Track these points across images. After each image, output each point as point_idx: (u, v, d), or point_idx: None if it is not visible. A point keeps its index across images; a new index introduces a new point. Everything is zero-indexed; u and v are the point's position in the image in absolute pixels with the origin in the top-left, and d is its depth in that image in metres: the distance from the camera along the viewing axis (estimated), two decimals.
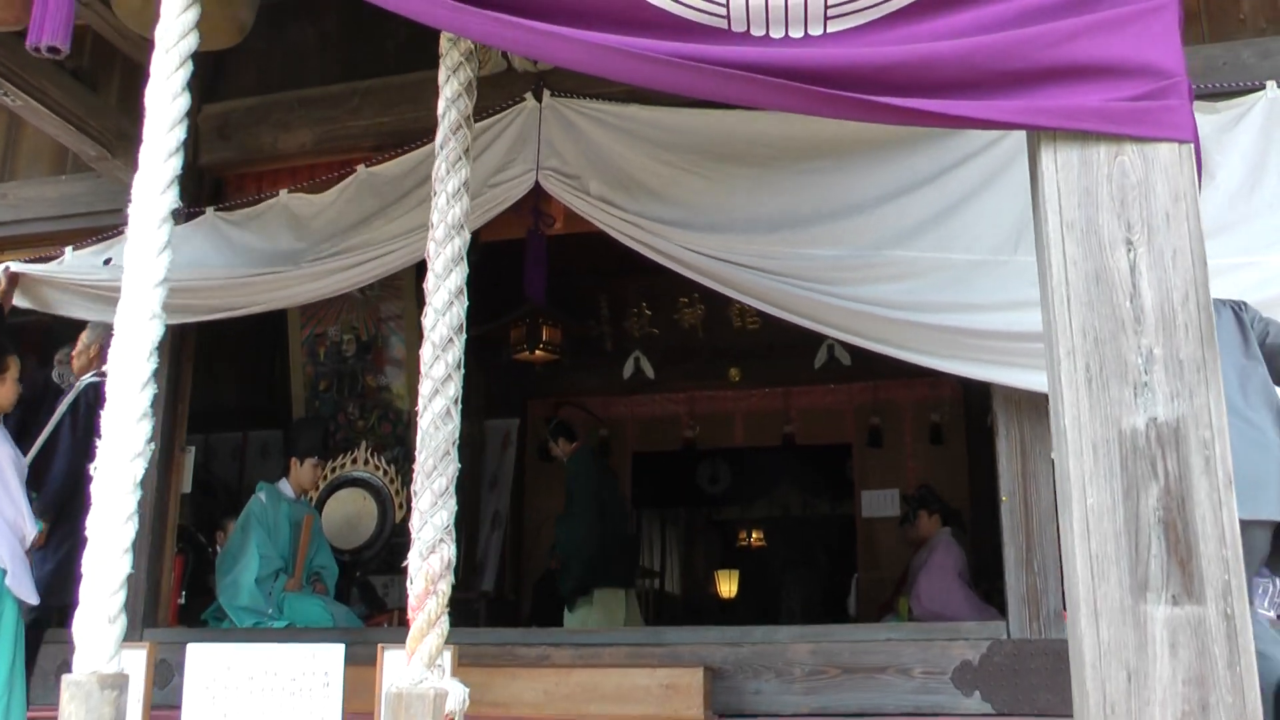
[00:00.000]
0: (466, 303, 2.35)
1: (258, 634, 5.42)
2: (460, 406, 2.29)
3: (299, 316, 9.55)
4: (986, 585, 6.65)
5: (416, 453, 2.25)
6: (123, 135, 5.52)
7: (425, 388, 2.26)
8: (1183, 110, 1.98)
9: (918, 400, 9.48)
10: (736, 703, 4.60)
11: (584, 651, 4.85)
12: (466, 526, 9.59)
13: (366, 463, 8.27)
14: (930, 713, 4.35)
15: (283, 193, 5.72)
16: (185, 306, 5.60)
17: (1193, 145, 1.97)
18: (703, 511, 14.97)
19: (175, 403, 5.85)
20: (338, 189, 5.59)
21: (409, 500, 7.22)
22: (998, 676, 4.31)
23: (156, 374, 5.50)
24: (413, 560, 2.20)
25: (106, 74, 6.28)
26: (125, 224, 5.66)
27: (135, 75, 6.06)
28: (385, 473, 8.25)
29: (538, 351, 9.02)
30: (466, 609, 9.05)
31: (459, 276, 2.34)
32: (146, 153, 2.56)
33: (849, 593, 9.23)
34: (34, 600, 4.34)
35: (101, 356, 5.34)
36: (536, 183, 5.19)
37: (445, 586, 2.20)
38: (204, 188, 6.07)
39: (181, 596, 6.41)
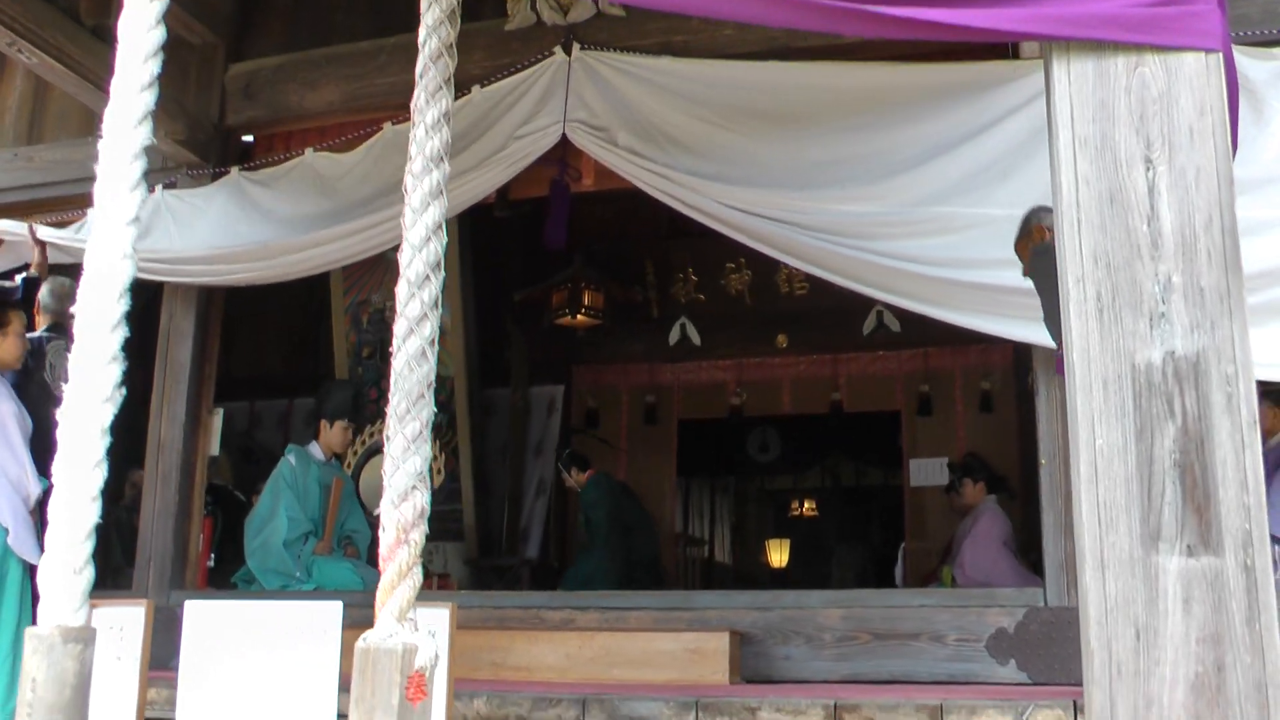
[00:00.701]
0: (445, 238, 2.21)
1: (282, 597, 5.36)
2: (436, 348, 2.16)
3: (342, 283, 9.53)
4: (1035, 555, 6.45)
5: (390, 395, 2.12)
6: None
7: (400, 327, 2.14)
8: (1210, 16, 1.80)
9: (968, 367, 9.25)
10: (766, 668, 4.47)
11: (609, 615, 4.74)
12: (511, 493, 9.54)
13: None
14: (964, 681, 4.18)
15: (308, 152, 5.64)
16: (213, 272, 5.55)
17: (1222, 54, 1.79)
18: (754, 480, 14.82)
19: (202, 364, 5.79)
20: (364, 148, 5.49)
21: (446, 466, 7.24)
22: (1034, 645, 4.13)
23: (198, 333, 5.62)
24: (385, 508, 2.07)
25: None
26: (151, 187, 5.71)
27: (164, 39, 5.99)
28: None
29: (579, 316, 8.93)
30: (511, 575, 9.01)
31: (437, 211, 2.21)
32: (118, 84, 2.43)
33: (896, 563, 9.05)
34: (36, 559, 4.29)
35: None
36: (564, 135, 5.06)
37: (418, 536, 2.07)
38: (231, 149, 6.01)
39: (211, 559, 6.38)
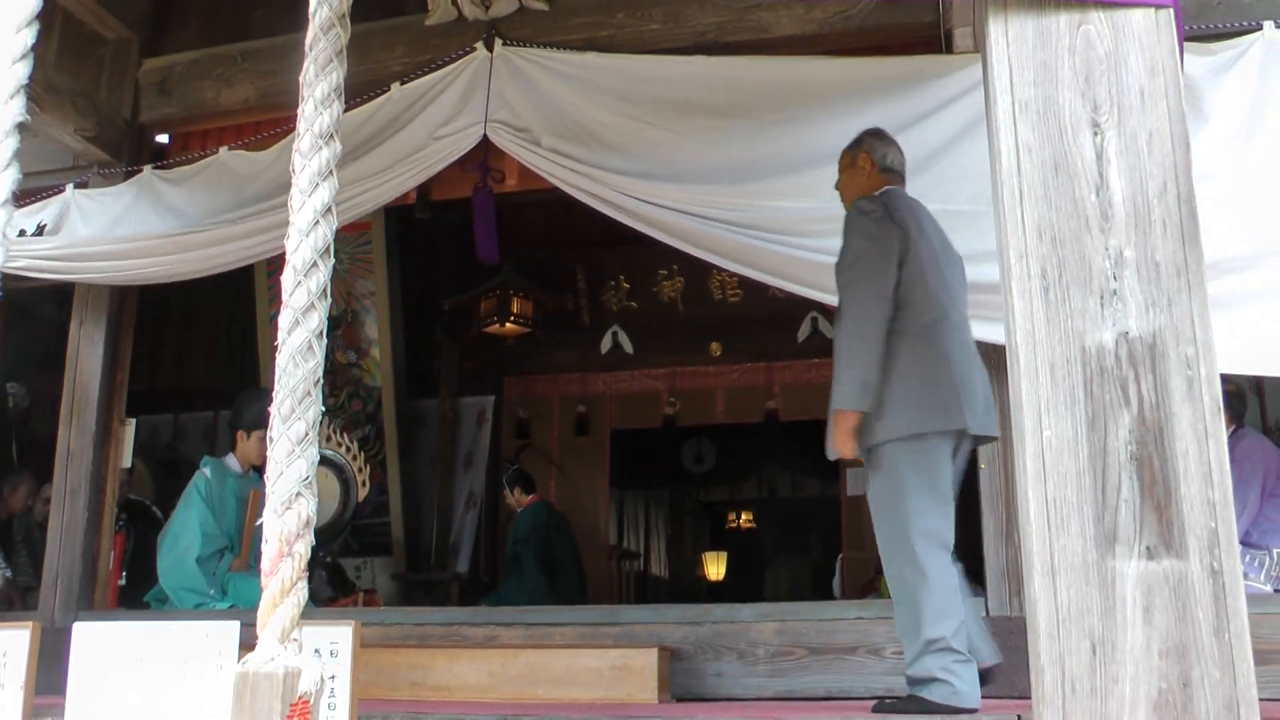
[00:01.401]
0: (334, 223, 2.01)
1: (195, 616, 5.12)
2: (324, 341, 1.96)
3: (267, 293, 9.28)
4: (975, 563, 6.35)
5: (274, 394, 1.93)
6: (52, 89, 5.22)
7: (285, 318, 1.93)
8: None
9: None
10: (697, 686, 4.30)
11: (534, 631, 4.56)
12: (440, 506, 9.32)
13: (330, 440, 7.96)
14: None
15: (223, 150, 5.43)
16: (121, 269, 5.30)
17: (1172, 10, 1.65)
18: (689, 492, 14.68)
19: (114, 372, 5.55)
20: (279, 146, 5.30)
21: (371, 479, 7.01)
22: (1031, 640, 3.97)
23: (109, 338, 5.40)
24: (267, 517, 1.88)
25: (45, 27, 5.94)
26: (62, 186, 5.46)
27: (76, 30, 5.76)
28: (349, 450, 7.95)
29: (508, 325, 8.75)
30: (440, 590, 8.79)
31: (326, 192, 2.01)
32: None
33: (834, 574, 8.93)
34: None
35: None
36: (485, 136, 4.89)
37: (303, 548, 1.87)
38: (145, 147, 5.79)
39: (123, 577, 6.09)
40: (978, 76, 4.15)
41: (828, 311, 8.43)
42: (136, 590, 6.17)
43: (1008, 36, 1.66)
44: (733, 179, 4.55)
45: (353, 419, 9.05)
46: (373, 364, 9.16)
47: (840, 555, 9.03)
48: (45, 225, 5.49)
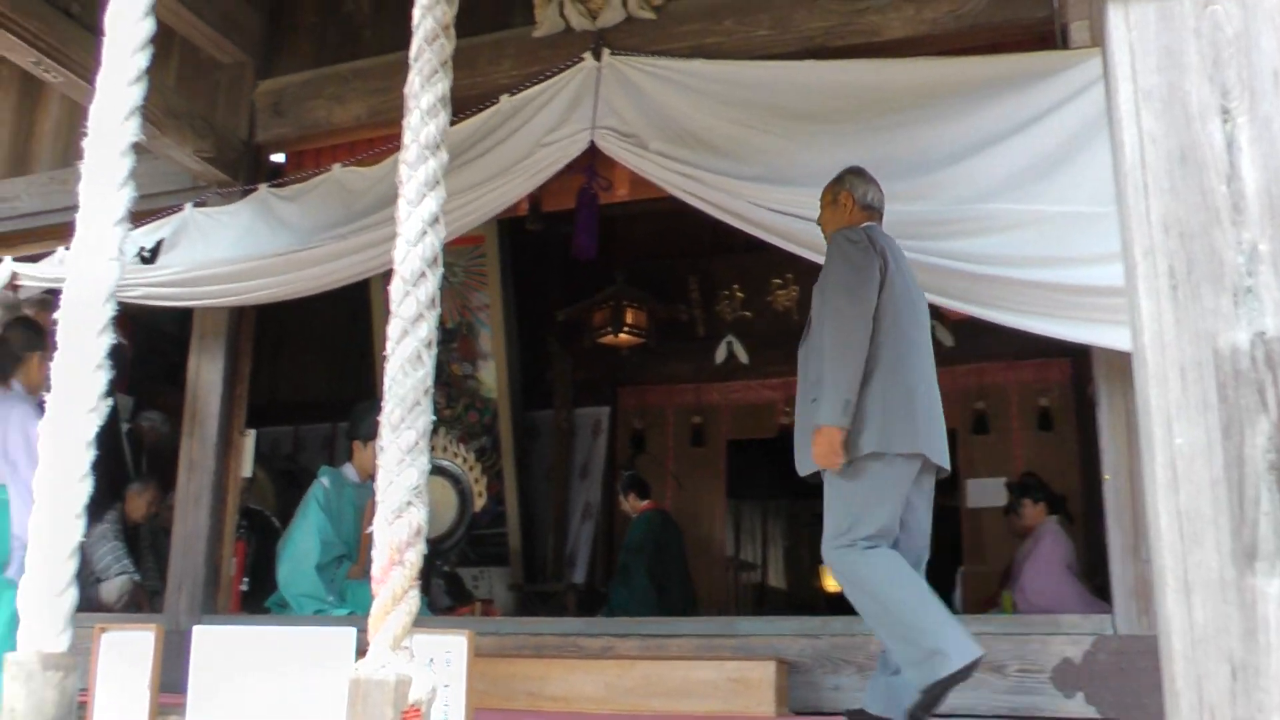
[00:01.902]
0: (443, 232, 2.02)
1: (313, 622, 5.20)
2: (434, 350, 1.97)
3: (383, 307, 9.41)
4: (1100, 579, 6.17)
5: (384, 402, 1.93)
6: (172, 113, 5.36)
7: (394, 328, 1.95)
8: None
9: (1024, 383, 8.94)
10: (815, 699, 4.23)
11: (650, 643, 4.53)
12: (556, 517, 9.36)
13: (446, 450, 8.05)
14: (1027, 715, 3.91)
15: (335, 167, 5.52)
16: (236, 290, 5.42)
17: None
18: (807, 502, 14.51)
19: (233, 385, 5.69)
20: (390, 160, 5.35)
21: (488, 490, 7.06)
22: (1103, 677, 3.84)
23: (228, 353, 5.53)
24: (377, 525, 1.88)
25: (164, 54, 6.16)
26: (181, 205, 5.61)
27: (193, 56, 5.92)
28: (465, 461, 8.03)
29: (622, 335, 8.75)
30: (556, 600, 8.82)
31: (434, 202, 2.02)
32: (104, 78, 2.28)
33: (954, 588, 8.73)
34: None
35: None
36: (591, 143, 4.90)
37: (414, 556, 1.88)
38: (261, 167, 5.93)
39: (245, 583, 6.23)
40: (1095, 72, 4.03)
41: (942, 316, 8.29)
42: (258, 596, 6.31)
43: (1128, 22, 1.58)
44: None
45: (469, 430, 9.14)
46: (488, 376, 9.24)
47: (960, 568, 8.83)
48: (164, 240, 5.63)
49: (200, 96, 5.89)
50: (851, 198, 4.04)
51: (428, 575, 7.70)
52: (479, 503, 7.93)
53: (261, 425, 7.98)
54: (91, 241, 2.22)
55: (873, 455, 3.62)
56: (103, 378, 2.18)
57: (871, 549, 3.63)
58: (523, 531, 9.10)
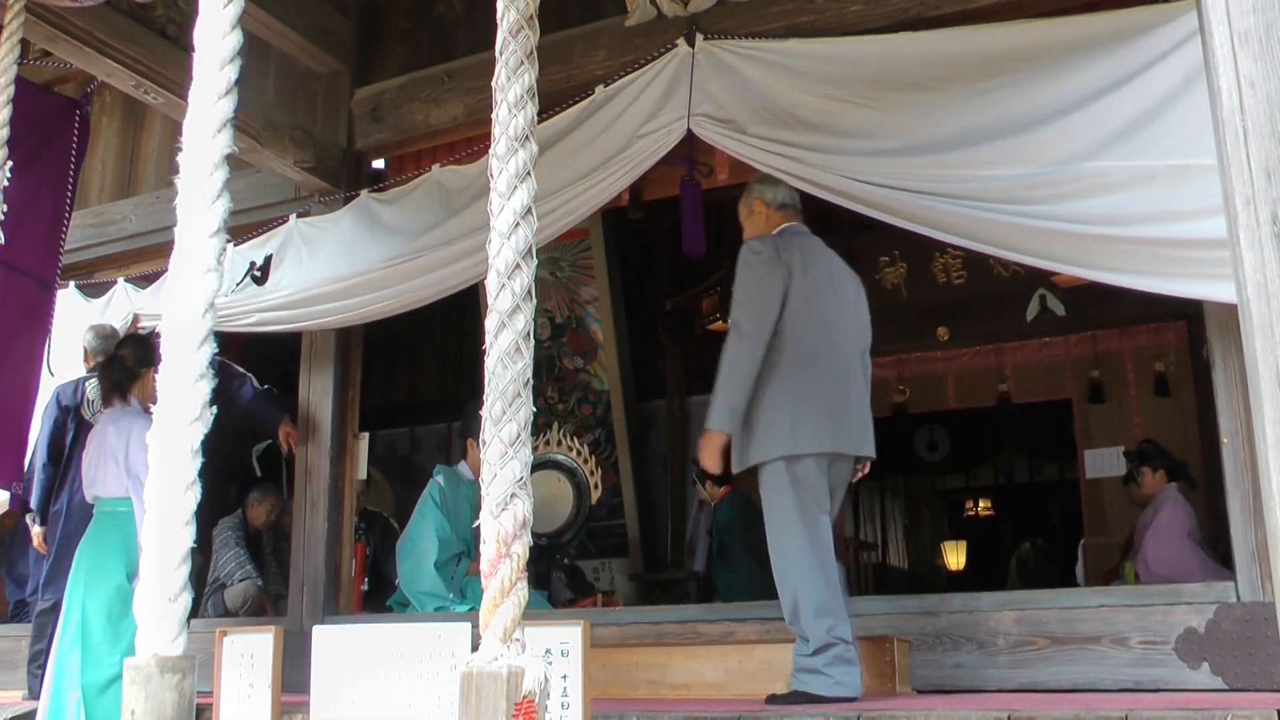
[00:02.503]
0: (535, 223, 2.02)
1: (435, 619, 5.27)
2: (532, 341, 1.97)
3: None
4: (1224, 546, 5.99)
5: (485, 395, 1.94)
6: (271, 125, 5.46)
7: (491, 321, 1.96)
8: None
9: (1139, 349, 8.70)
10: (936, 676, 4.17)
11: (770, 626, 4.50)
12: (674, 506, 9.36)
13: (560, 444, 8.10)
14: (1151, 688, 3.80)
15: (435, 168, 5.57)
16: (343, 309, 5.52)
17: None
18: (925, 480, 14.34)
19: (345, 389, 5.79)
20: (487, 157, 5.38)
21: (604, 481, 7.08)
22: (1228, 646, 3.72)
23: (339, 359, 5.65)
24: (484, 518, 1.89)
25: (261, 68, 6.29)
26: (286, 217, 5.73)
27: (290, 68, 6.03)
28: (580, 454, 8.07)
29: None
30: (677, 588, 8.82)
31: (525, 194, 2.02)
32: (196, 92, 2.32)
33: (1076, 560, 8.55)
34: None
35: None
36: (689, 130, 4.87)
37: (521, 548, 1.88)
38: (362, 173, 6.00)
39: (365, 583, 6.35)
40: (1195, 24, 3.88)
41: (1053, 285, 8.09)
42: (379, 596, 6.43)
43: None
44: (943, 150, 4.39)
45: (583, 423, 9.19)
46: (599, 368, 9.28)
47: (1082, 540, 8.64)
48: (272, 255, 5.75)
49: (299, 107, 5.99)
50: (763, 203, 4.30)
51: (548, 569, 7.79)
52: (595, 495, 7.95)
53: (377, 428, 8.14)
54: (189, 255, 2.26)
55: (786, 457, 3.84)
56: (205, 388, 2.22)
57: (807, 563, 3.80)
58: (640, 522, 9.12)
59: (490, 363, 1.95)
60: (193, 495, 2.15)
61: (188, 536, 2.13)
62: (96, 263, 6.50)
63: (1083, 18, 4.39)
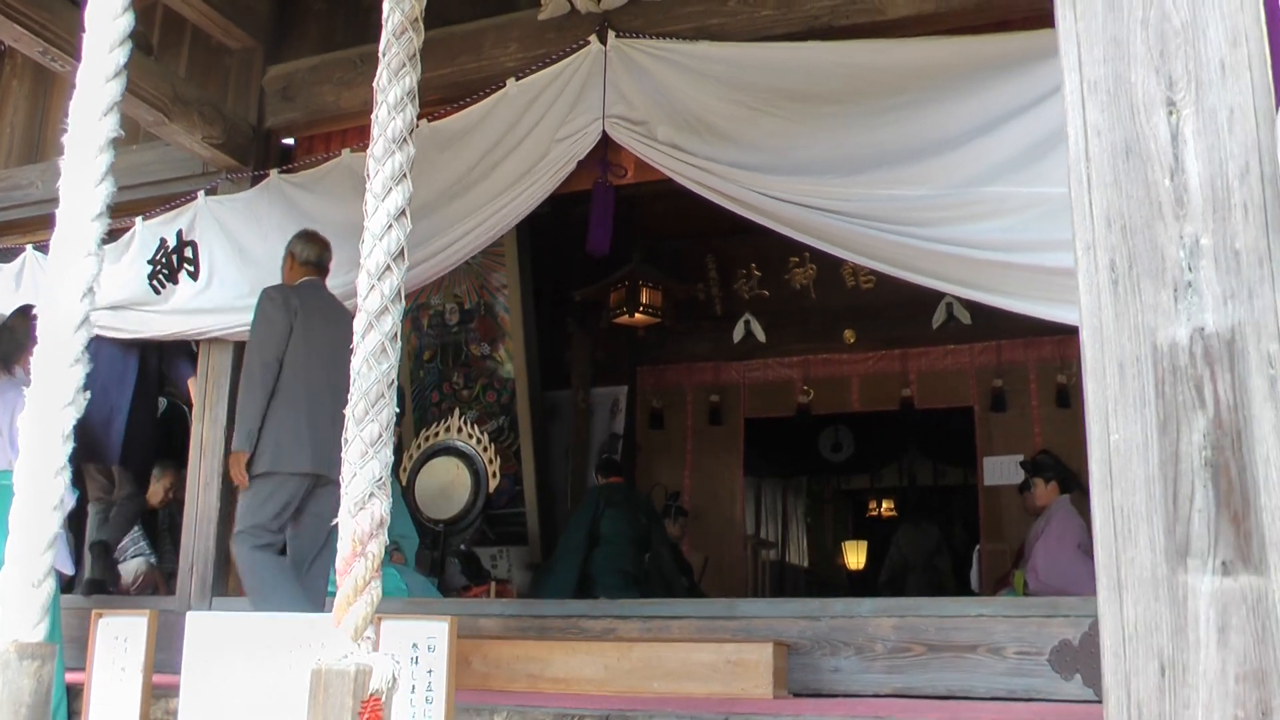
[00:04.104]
0: (408, 226, 2.02)
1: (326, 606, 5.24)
2: (398, 344, 1.97)
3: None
4: None
5: (350, 396, 1.94)
6: (180, 99, 5.37)
7: (359, 321, 1.95)
8: None
9: (1043, 360, 8.88)
10: (814, 681, 4.23)
11: (652, 624, 4.54)
12: (575, 496, 9.38)
13: (460, 431, 8.08)
14: (1025, 697, 3.90)
15: (345, 152, 5.54)
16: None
17: None
18: (829, 481, 14.50)
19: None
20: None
21: (505, 469, 7.07)
22: (1100, 658, 3.81)
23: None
24: (341, 517, 1.89)
25: (176, 42, 6.18)
26: (193, 193, 5.65)
27: (204, 43, 5.95)
28: (480, 442, 8.05)
29: (637, 315, 8.74)
30: None
31: (399, 197, 2.03)
32: (83, 74, 2.29)
33: (970, 565, 8.72)
34: (69, 570, 4.32)
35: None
36: (604, 132, 4.89)
37: (376, 548, 1.89)
38: (271, 152, 5.93)
39: None
40: None
41: (962, 298, 8.22)
42: None
43: (1075, 10, 1.54)
44: (848, 169, 4.45)
45: (487, 410, 9.16)
46: (506, 355, 9.25)
47: (977, 546, 8.81)
48: (182, 230, 5.68)
49: (211, 83, 5.91)
50: (292, 256, 4.94)
51: (443, 555, 7.77)
52: (493, 483, 7.94)
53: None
54: (70, 238, 2.23)
55: (267, 473, 4.55)
56: (80, 372, 2.20)
57: (261, 549, 4.52)
58: (540, 511, 9.11)
59: (356, 363, 1.95)
60: (62, 480, 2.12)
61: (55, 522, 2.11)
62: (3, 227, 6.34)
63: (992, 37, 4.47)
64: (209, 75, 6.02)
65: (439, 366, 9.40)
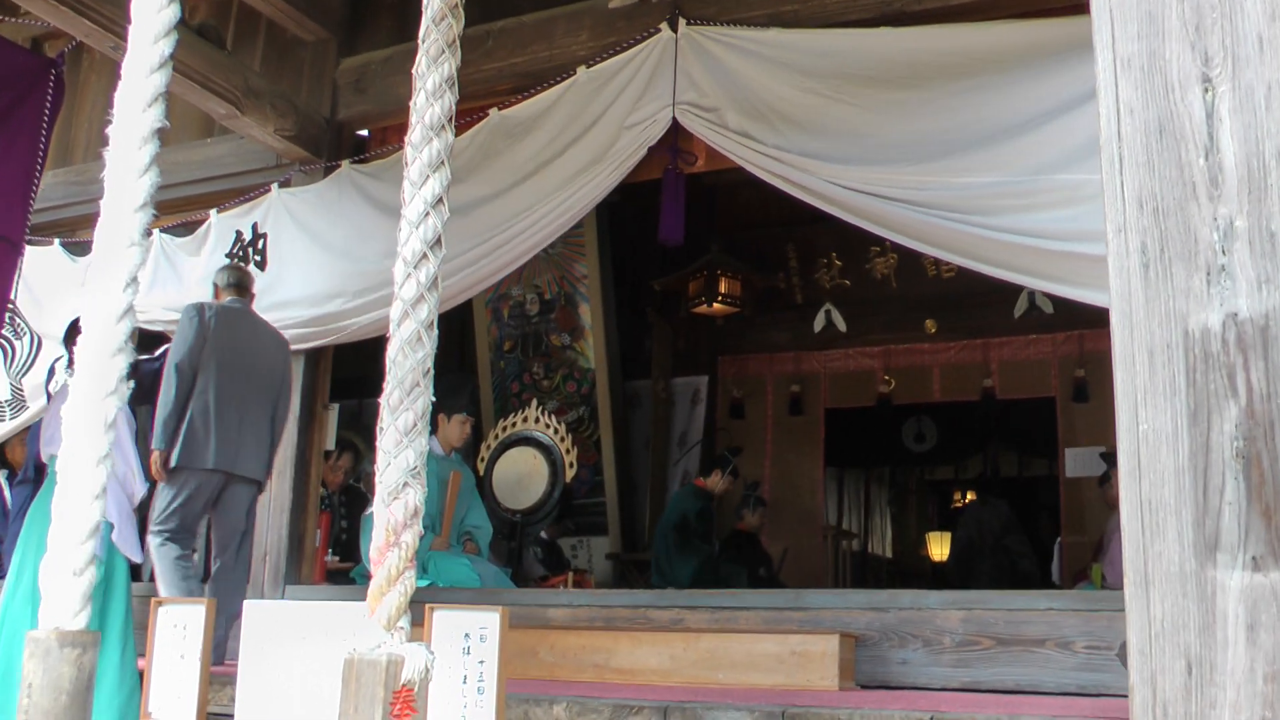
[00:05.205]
0: (445, 214, 2.02)
1: None
2: (434, 332, 1.96)
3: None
4: None
5: (385, 383, 1.94)
6: (252, 92, 5.45)
7: (395, 310, 1.95)
8: None
9: None
10: (882, 673, 4.18)
11: (719, 615, 4.52)
12: (655, 486, 9.37)
13: (538, 421, 8.11)
14: (1094, 693, 3.81)
15: None
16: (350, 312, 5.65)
17: None
18: (913, 471, 14.32)
19: (317, 358, 5.80)
20: (469, 134, 5.39)
21: (585, 460, 7.09)
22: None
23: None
24: (375, 506, 1.90)
25: (250, 35, 6.27)
26: (267, 185, 5.73)
27: (278, 36, 6.03)
28: (557, 432, 8.08)
29: (716, 304, 8.70)
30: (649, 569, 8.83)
31: (437, 184, 2.02)
32: (129, 66, 2.31)
33: (1053, 558, 8.55)
34: (137, 557, 4.41)
35: None
36: (674, 119, 4.87)
37: (410, 538, 1.89)
38: (344, 143, 5.99)
39: (330, 554, 6.36)
40: None
41: (1036, 289, 8.05)
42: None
43: None
44: (919, 157, 4.39)
45: (567, 400, 9.19)
46: (587, 346, 9.27)
47: (1058, 539, 8.63)
48: (257, 222, 5.77)
49: (284, 77, 6.00)
50: (215, 285, 5.29)
51: (521, 544, 7.81)
52: (570, 473, 7.96)
53: (366, 399, 8.14)
54: (113, 229, 2.26)
55: (180, 468, 4.86)
56: (123, 362, 2.22)
57: (167, 541, 4.82)
58: (620, 501, 9.13)
59: (392, 351, 1.95)
60: (104, 470, 2.15)
61: (97, 511, 2.14)
62: (77, 221, 6.50)
63: (1065, 20, 4.36)
64: (283, 69, 6.10)
65: (519, 357, 9.45)
